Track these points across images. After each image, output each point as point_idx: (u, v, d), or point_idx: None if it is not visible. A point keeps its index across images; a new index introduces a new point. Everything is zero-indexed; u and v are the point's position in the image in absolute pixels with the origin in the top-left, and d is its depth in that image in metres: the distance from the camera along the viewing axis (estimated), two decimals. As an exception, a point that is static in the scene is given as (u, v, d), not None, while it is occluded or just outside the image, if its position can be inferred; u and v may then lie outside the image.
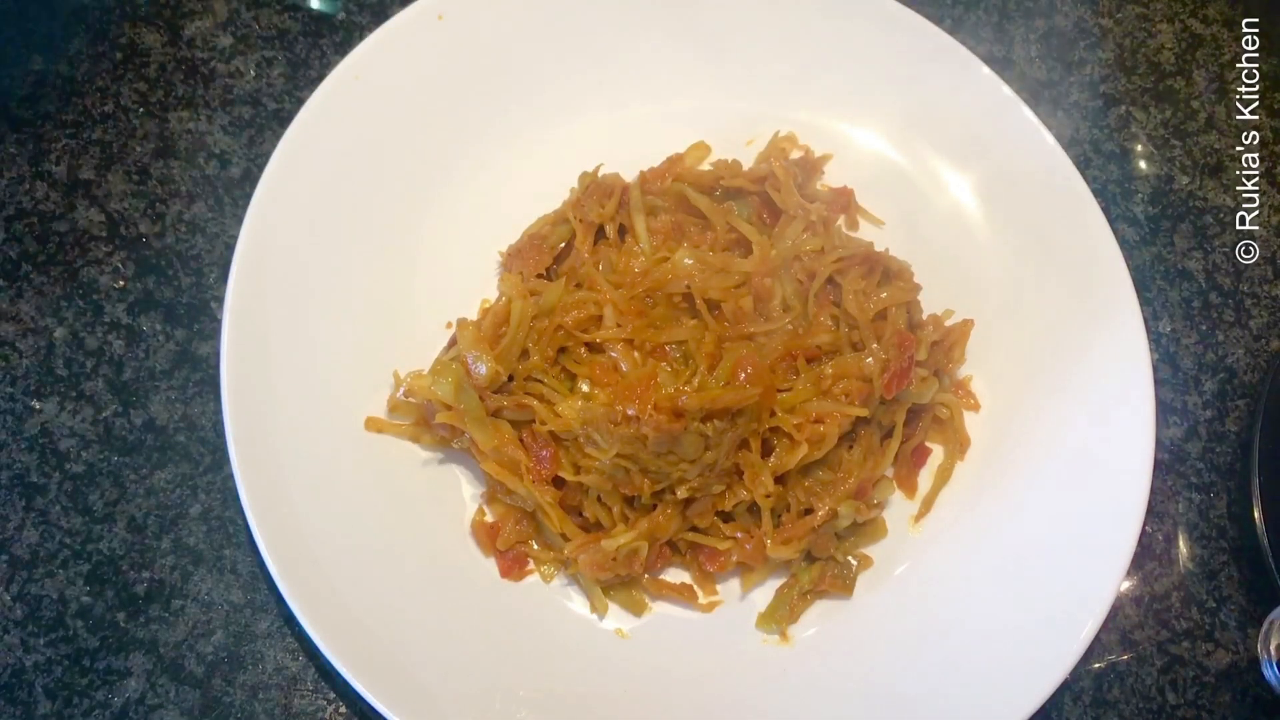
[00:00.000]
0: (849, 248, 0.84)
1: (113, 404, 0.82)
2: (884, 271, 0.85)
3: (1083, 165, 0.97)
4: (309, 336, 0.79)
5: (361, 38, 0.87)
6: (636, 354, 0.77)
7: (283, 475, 0.74)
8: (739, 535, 0.78)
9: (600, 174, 0.86)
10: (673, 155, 0.89)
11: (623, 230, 0.85)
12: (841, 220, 0.90)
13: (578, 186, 0.86)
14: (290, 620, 0.77)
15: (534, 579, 0.79)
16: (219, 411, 0.76)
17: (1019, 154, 0.90)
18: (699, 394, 0.73)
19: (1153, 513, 0.87)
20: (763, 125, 0.91)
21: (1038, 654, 0.75)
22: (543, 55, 0.90)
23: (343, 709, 0.77)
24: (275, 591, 0.75)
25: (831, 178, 0.92)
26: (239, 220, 0.79)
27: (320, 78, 0.85)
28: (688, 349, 0.78)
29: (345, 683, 0.70)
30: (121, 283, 0.85)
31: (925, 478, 0.85)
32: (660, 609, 0.79)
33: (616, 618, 0.78)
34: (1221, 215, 0.99)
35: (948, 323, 0.86)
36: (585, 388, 0.77)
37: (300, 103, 0.84)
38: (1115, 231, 0.87)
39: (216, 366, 0.77)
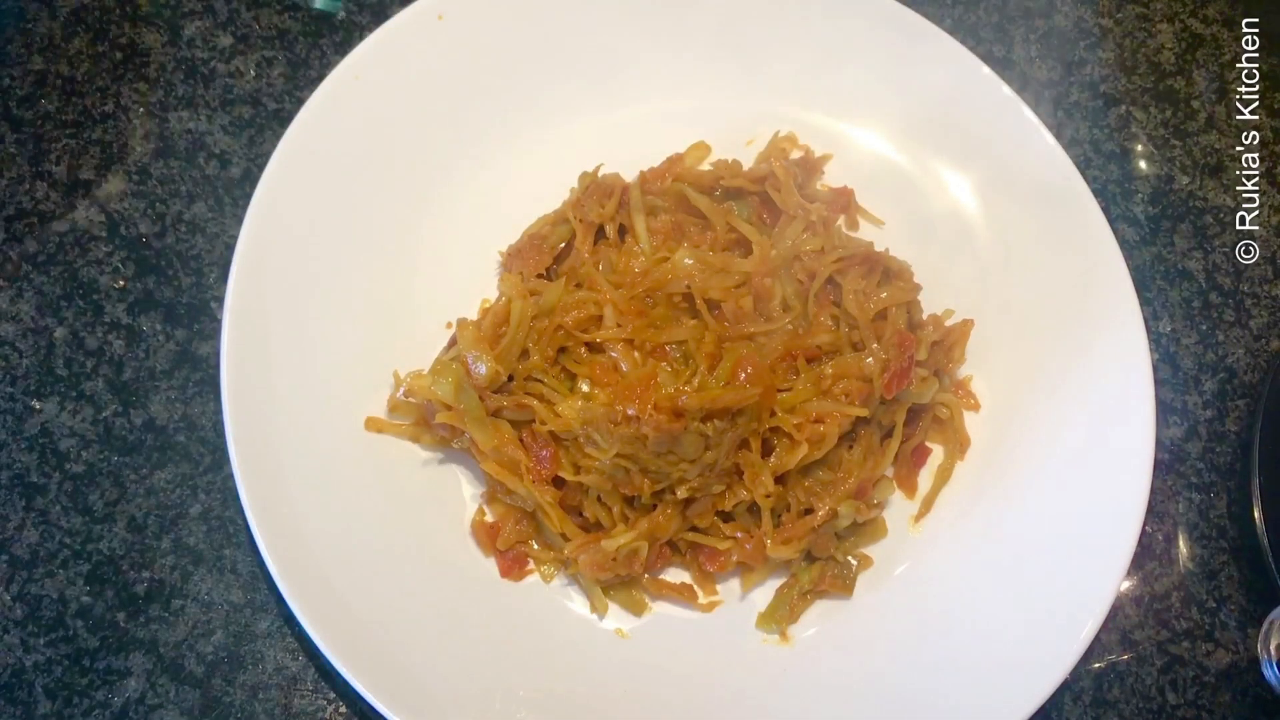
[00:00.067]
0: (849, 248, 0.84)
1: (113, 404, 0.82)
2: (884, 271, 0.85)
3: (1083, 165, 0.97)
4: (309, 336, 0.79)
5: (361, 38, 0.87)
6: (636, 354, 0.77)
7: (283, 475, 0.74)
8: (739, 535, 0.78)
9: (600, 174, 0.86)
10: (673, 155, 0.89)
11: (623, 230, 0.85)
12: (841, 220, 0.90)
13: (578, 186, 0.86)
14: (290, 620, 0.77)
15: (534, 579, 0.79)
16: (219, 411, 0.76)
17: (1019, 154, 0.90)
18: (699, 394, 0.73)
19: (1153, 513, 0.87)
20: (763, 125, 0.91)
21: (1038, 654, 0.75)
22: (543, 55, 0.90)
23: (343, 709, 0.77)
24: (275, 591, 0.75)
25: (831, 178, 0.92)
26: (239, 220, 0.79)
27: (320, 78, 0.85)
28: (688, 349, 0.77)
29: (345, 683, 0.70)
30: (121, 283, 0.85)
31: (925, 478, 0.85)
32: (660, 609, 0.79)
33: (616, 618, 0.78)
34: (1221, 215, 0.99)
35: (948, 323, 0.85)
36: (585, 388, 0.77)
37: (300, 103, 0.84)
38: (1115, 231, 0.87)
39: (216, 366, 0.77)
